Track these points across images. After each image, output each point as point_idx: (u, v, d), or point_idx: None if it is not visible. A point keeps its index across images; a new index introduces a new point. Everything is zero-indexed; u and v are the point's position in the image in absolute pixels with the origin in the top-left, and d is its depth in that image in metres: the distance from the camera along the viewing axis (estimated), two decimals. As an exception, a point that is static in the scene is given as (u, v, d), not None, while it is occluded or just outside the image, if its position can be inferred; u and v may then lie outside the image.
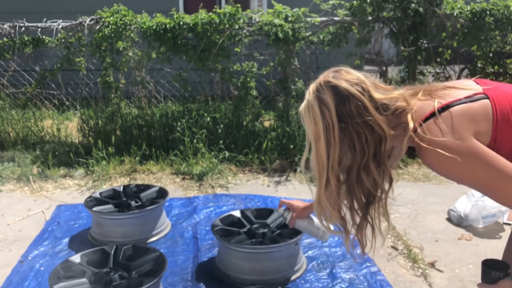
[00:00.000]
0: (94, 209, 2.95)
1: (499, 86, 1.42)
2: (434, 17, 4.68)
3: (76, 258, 2.32)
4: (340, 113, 1.34)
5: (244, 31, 4.61)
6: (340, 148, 1.36)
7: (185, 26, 4.52)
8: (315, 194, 1.48)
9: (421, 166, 4.31)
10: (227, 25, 4.52)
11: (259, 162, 4.39)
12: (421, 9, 4.60)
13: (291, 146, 4.42)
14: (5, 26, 4.98)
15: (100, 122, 4.79)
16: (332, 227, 1.60)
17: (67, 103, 5.37)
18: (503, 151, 1.31)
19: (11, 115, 5.00)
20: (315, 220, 2.13)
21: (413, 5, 4.60)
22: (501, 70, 5.04)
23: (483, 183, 1.29)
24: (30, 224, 3.28)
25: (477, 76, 1.78)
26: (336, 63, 1.60)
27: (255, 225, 2.65)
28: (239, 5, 4.63)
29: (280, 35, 4.41)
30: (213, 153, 4.32)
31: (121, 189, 3.24)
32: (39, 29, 5.01)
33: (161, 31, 4.53)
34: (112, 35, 4.54)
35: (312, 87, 1.41)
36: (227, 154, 4.36)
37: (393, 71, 5.80)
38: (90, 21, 4.77)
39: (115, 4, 4.77)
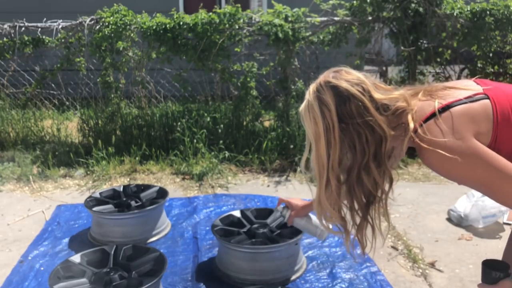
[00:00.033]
0: (94, 209, 2.95)
1: (499, 86, 1.41)
2: (434, 17, 4.68)
3: (76, 258, 2.32)
4: (341, 114, 1.34)
5: (244, 31, 4.61)
6: (341, 149, 1.36)
7: (185, 26, 4.52)
8: (315, 194, 1.48)
9: (421, 166, 4.31)
10: (227, 25, 4.52)
11: (259, 162, 4.39)
12: (421, 9, 4.60)
13: (291, 146, 4.42)
14: (5, 26, 4.98)
15: (100, 122, 4.79)
16: (332, 227, 1.60)
17: (67, 103, 5.37)
18: (503, 151, 1.31)
19: (11, 115, 5.00)
20: (314, 218, 2.13)
21: (413, 5, 4.60)
22: (501, 70, 5.04)
23: (484, 184, 1.29)
24: (30, 224, 3.28)
25: (477, 76, 1.78)
26: (336, 63, 1.60)
27: (255, 225, 2.65)
28: (239, 5, 4.63)
29: (280, 35, 4.41)
30: (213, 153, 4.32)
31: (121, 189, 3.24)
32: (39, 29, 5.01)
33: (161, 31, 4.53)
34: (112, 35, 4.54)
35: (312, 87, 1.41)
36: (227, 154, 4.36)
37: (393, 71, 5.81)
38: (90, 21, 4.77)
39: (115, 4, 4.77)
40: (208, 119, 4.59)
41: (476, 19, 4.69)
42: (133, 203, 3.02)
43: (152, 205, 2.98)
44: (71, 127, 5.13)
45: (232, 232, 2.62)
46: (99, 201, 3.07)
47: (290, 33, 4.45)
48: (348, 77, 1.37)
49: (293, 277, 2.52)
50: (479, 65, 5.06)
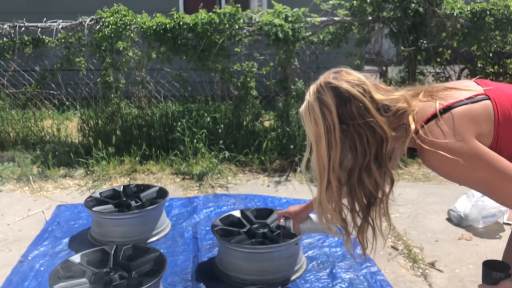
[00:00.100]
0: (94, 209, 2.95)
1: (499, 86, 1.41)
2: (434, 17, 4.69)
3: (76, 258, 2.32)
4: (341, 114, 1.33)
5: (244, 31, 4.61)
6: (341, 150, 1.35)
7: (185, 26, 4.52)
8: (316, 196, 1.47)
9: (421, 166, 4.31)
10: (227, 25, 4.52)
11: (259, 162, 4.39)
12: (421, 9, 4.61)
13: (291, 146, 4.42)
14: (5, 26, 4.98)
15: (100, 122, 4.79)
16: (332, 228, 1.60)
17: (67, 103, 5.37)
18: (505, 152, 1.31)
19: (11, 115, 5.00)
20: (314, 217, 2.13)
21: (413, 5, 4.61)
22: (501, 70, 5.05)
23: (485, 184, 1.29)
24: (30, 224, 3.28)
25: (477, 77, 1.78)
26: (336, 63, 1.60)
27: (255, 225, 2.65)
28: (239, 5, 4.63)
29: (280, 35, 4.41)
30: (213, 153, 4.32)
31: (121, 189, 3.24)
32: (39, 29, 5.01)
33: (161, 31, 4.53)
34: (112, 35, 4.54)
35: (313, 88, 1.40)
36: (227, 154, 4.36)
37: (393, 71, 5.81)
38: (90, 21, 4.77)
39: (115, 4, 4.77)
40: (208, 119, 4.59)
41: (476, 19, 4.69)
42: (133, 203, 3.02)
43: (152, 205, 2.98)
44: (71, 127, 5.13)
45: (232, 232, 2.62)
46: (99, 201, 3.07)
47: (290, 33, 4.45)
48: (349, 78, 1.37)
49: (293, 277, 2.52)
50: (479, 65, 5.07)
